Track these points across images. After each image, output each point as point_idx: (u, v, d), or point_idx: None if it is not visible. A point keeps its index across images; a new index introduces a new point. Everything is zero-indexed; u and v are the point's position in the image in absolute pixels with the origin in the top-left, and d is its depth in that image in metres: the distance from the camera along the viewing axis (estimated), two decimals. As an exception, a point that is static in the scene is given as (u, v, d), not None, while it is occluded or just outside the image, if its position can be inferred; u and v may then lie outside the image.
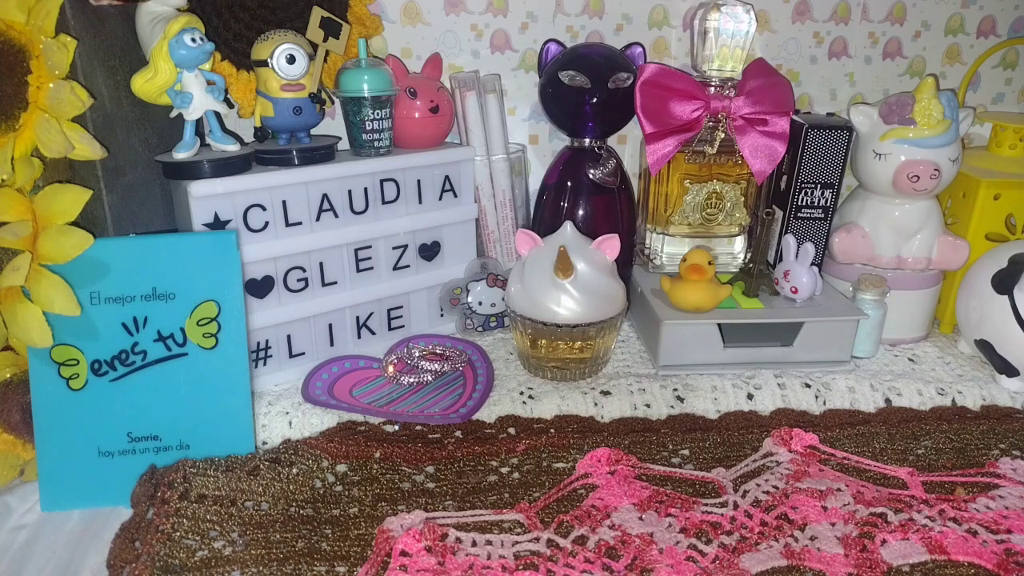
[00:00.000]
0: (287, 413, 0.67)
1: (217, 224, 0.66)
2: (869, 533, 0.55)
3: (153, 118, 0.70)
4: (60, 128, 0.57)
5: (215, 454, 0.60)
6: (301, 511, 0.57)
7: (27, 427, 0.60)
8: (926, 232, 0.80)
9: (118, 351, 0.59)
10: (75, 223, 0.56)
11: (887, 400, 0.72)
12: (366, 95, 0.71)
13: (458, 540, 0.53)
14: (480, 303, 0.81)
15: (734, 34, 0.75)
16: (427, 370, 0.73)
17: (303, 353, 0.74)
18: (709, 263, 0.73)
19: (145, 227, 0.68)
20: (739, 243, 0.85)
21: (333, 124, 0.84)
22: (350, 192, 0.72)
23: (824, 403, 0.72)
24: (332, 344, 0.76)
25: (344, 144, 0.76)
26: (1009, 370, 0.73)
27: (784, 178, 0.83)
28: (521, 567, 0.51)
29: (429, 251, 0.79)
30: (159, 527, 0.53)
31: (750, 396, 0.72)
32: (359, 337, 0.78)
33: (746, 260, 0.81)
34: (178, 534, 0.53)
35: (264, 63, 0.67)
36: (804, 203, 0.81)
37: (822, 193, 0.81)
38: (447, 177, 0.78)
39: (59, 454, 0.59)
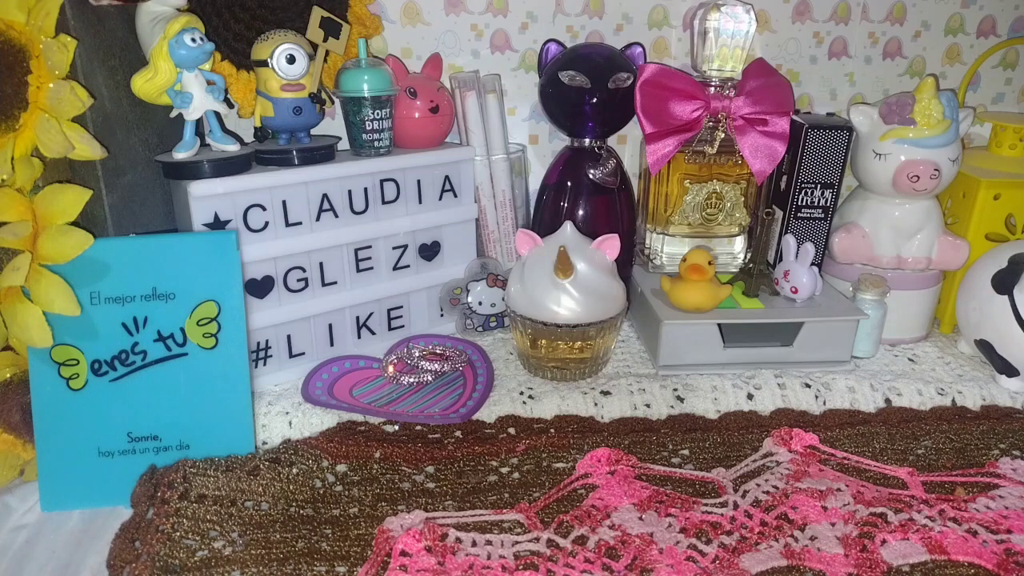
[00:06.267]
0: (287, 413, 0.67)
1: (217, 224, 0.66)
2: (869, 533, 0.55)
3: (153, 118, 0.70)
4: (60, 128, 0.57)
5: (215, 454, 0.60)
6: (301, 511, 0.57)
7: (27, 427, 0.60)
8: (926, 232, 0.80)
9: (118, 351, 0.59)
10: (75, 223, 0.56)
11: (887, 400, 0.72)
12: (366, 95, 0.71)
13: (458, 540, 0.53)
14: (480, 303, 0.81)
15: (734, 34, 0.75)
16: (427, 370, 0.73)
17: (303, 353, 0.74)
18: (709, 263, 0.73)
19: (145, 227, 0.68)
20: (739, 243, 0.85)
21: (333, 124, 0.84)
22: (350, 192, 0.72)
23: (824, 403, 0.72)
24: (332, 344, 0.76)
25: (344, 144, 0.76)
26: (1009, 370, 0.73)
27: (784, 178, 0.83)
28: (521, 567, 0.51)
29: (429, 251, 0.79)
30: (159, 527, 0.53)
31: (750, 396, 0.72)
32: (359, 337, 0.78)
33: (746, 260, 0.81)
34: (178, 534, 0.53)
35: (264, 63, 0.67)
36: (804, 203, 0.81)
37: (822, 193, 0.81)
38: (447, 177, 0.78)
39: (59, 454, 0.59)
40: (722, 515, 0.57)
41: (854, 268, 0.82)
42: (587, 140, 0.82)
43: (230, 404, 0.61)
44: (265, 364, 0.72)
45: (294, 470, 0.60)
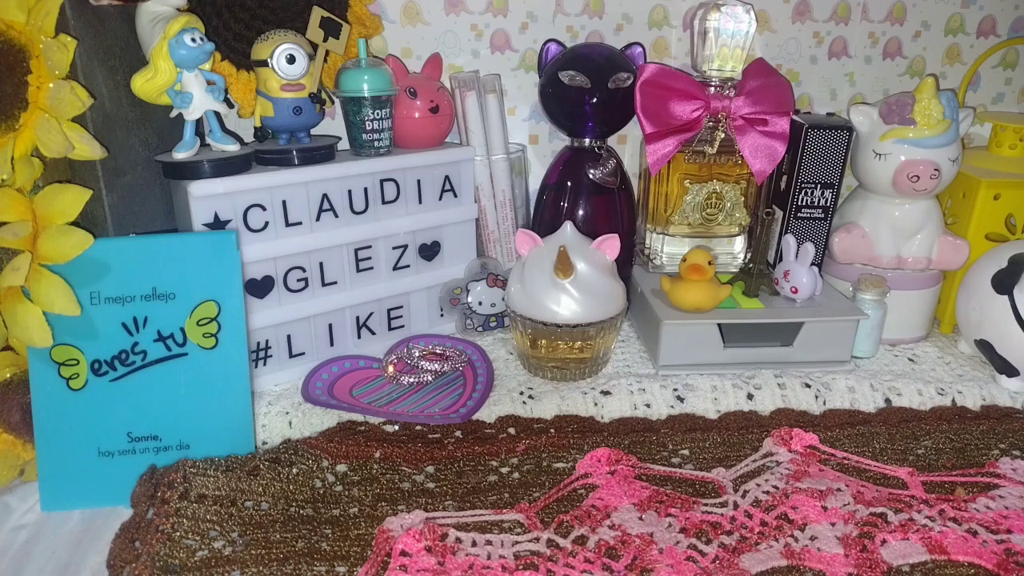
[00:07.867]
0: (287, 413, 0.67)
1: (217, 224, 0.66)
2: (869, 533, 0.55)
3: (153, 118, 0.70)
4: (60, 128, 0.57)
5: (215, 454, 0.60)
6: (301, 511, 0.57)
7: (27, 427, 0.60)
8: (926, 232, 0.80)
9: (118, 351, 0.59)
10: (75, 223, 0.56)
11: (887, 400, 0.72)
12: (366, 95, 0.71)
13: (458, 540, 0.53)
14: (480, 303, 0.81)
15: (734, 34, 0.75)
16: (427, 370, 0.73)
17: (303, 353, 0.74)
18: (709, 263, 0.73)
19: (145, 227, 0.68)
20: (739, 243, 0.85)
21: (333, 124, 0.84)
22: (350, 192, 0.72)
23: (824, 403, 0.72)
24: (332, 344, 0.76)
25: (344, 144, 0.76)
26: (1009, 370, 0.73)
27: (784, 178, 0.83)
28: (521, 567, 0.51)
29: (429, 251, 0.79)
30: (159, 527, 0.53)
31: (750, 396, 0.72)
32: (359, 337, 0.78)
33: (746, 260, 0.81)
34: (178, 534, 0.53)
35: (264, 63, 0.67)
36: (804, 203, 0.81)
37: (822, 193, 0.81)
38: (447, 177, 0.78)
39: (59, 454, 0.59)
40: (722, 515, 0.57)
41: (854, 268, 0.82)
42: (587, 140, 0.82)
43: (230, 404, 0.61)
44: (265, 364, 0.72)
45: (294, 470, 0.60)
